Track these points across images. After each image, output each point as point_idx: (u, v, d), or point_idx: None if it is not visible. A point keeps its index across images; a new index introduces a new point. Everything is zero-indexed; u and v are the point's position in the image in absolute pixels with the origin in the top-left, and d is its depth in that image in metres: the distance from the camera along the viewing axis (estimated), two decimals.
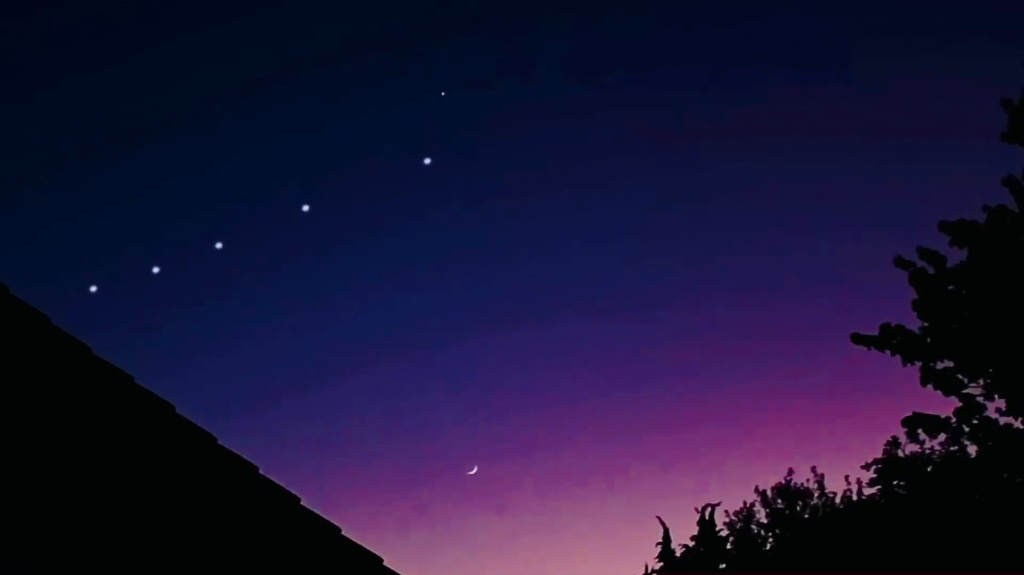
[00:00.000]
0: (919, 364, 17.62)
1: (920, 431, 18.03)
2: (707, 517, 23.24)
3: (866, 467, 19.40)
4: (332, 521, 6.18)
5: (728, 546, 23.10)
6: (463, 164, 27.52)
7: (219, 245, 24.48)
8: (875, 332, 17.98)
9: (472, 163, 27.64)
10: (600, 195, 28.79)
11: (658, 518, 23.40)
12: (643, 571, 23.01)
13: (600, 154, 28.32)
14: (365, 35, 27.27)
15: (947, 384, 17.49)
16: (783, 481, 23.40)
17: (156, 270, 24.71)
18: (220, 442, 5.87)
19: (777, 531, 23.05)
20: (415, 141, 27.38)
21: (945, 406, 17.77)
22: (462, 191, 28.86)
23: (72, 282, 25.60)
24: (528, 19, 27.18)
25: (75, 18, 25.14)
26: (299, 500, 6.08)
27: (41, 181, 26.32)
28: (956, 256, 17.52)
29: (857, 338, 18.09)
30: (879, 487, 19.74)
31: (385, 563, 6.41)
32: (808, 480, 23.25)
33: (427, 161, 24.06)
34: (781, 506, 23.26)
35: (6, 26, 23.15)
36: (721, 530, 23.31)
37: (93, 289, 21.60)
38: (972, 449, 17.89)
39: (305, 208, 23.97)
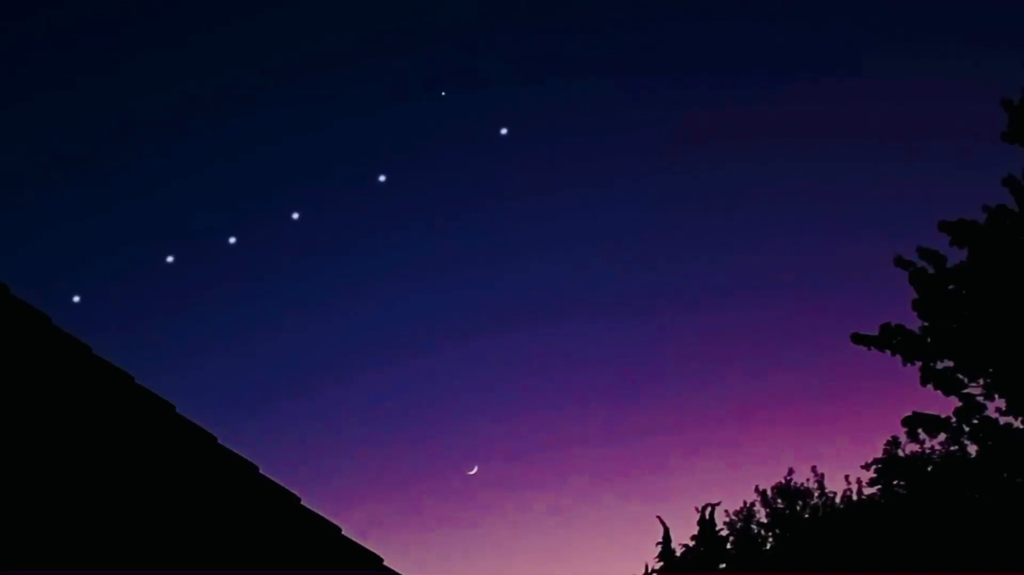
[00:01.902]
0: (919, 364, 17.61)
1: (920, 431, 18.03)
2: (707, 517, 23.23)
3: (866, 467, 19.40)
4: (332, 521, 6.18)
5: (728, 546, 23.09)
6: (464, 164, 27.55)
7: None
8: (875, 332, 17.97)
9: (474, 163, 27.67)
10: (602, 196, 28.83)
11: (658, 518, 23.42)
12: (643, 571, 23.04)
13: (602, 155, 28.37)
14: (363, 35, 27.29)
15: (947, 384, 17.48)
16: (783, 481, 23.40)
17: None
18: (220, 442, 5.88)
19: (777, 531, 23.04)
20: (415, 141, 27.40)
21: (945, 406, 17.79)
22: (463, 192, 28.90)
23: (75, 281, 25.64)
24: (530, 20, 27.20)
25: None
26: (299, 500, 6.08)
27: (38, 181, 26.36)
28: (956, 256, 17.54)
29: (857, 338, 18.09)
30: (879, 487, 19.73)
31: (385, 563, 6.41)
32: (808, 480, 23.26)
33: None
34: (781, 506, 23.24)
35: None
36: (721, 530, 23.30)
37: (170, 260, 21.55)
38: (972, 449, 17.89)
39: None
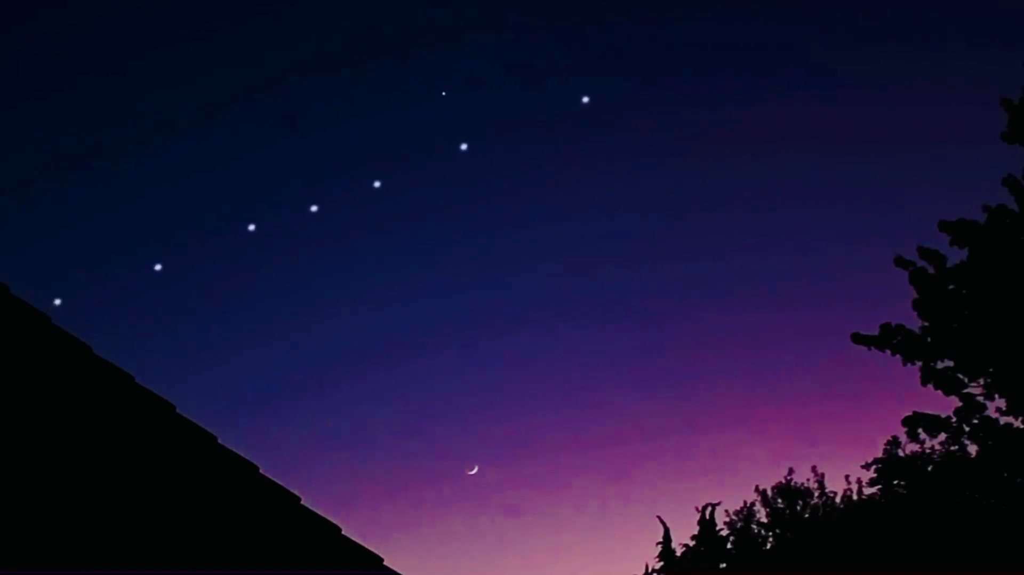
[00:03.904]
0: (919, 364, 17.62)
1: (920, 431, 18.03)
2: (707, 517, 23.24)
3: (866, 467, 19.39)
4: (332, 520, 6.19)
5: (728, 546, 23.10)
6: (465, 167, 27.53)
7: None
8: (875, 332, 17.98)
9: (474, 166, 27.65)
10: (603, 199, 28.83)
11: (658, 518, 23.43)
12: (643, 571, 23.05)
13: (603, 158, 28.35)
14: (362, 36, 27.28)
15: (947, 384, 17.48)
16: (783, 481, 23.41)
17: (158, 268, 24.74)
18: (220, 442, 5.88)
19: (777, 531, 23.05)
20: (416, 142, 27.41)
21: (945, 406, 17.79)
22: (464, 194, 28.90)
23: (77, 281, 25.66)
24: (531, 22, 27.20)
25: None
26: (299, 500, 6.09)
27: (43, 181, 26.38)
28: (956, 256, 17.55)
29: (857, 338, 18.09)
30: (879, 487, 19.73)
31: (385, 563, 6.42)
32: (808, 480, 23.28)
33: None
34: (781, 506, 23.25)
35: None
36: (721, 530, 23.30)
37: (252, 227, 21.56)
38: (972, 449, 17.90)
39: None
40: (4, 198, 25.57)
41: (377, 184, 24.27)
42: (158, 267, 23.32)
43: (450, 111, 26.62)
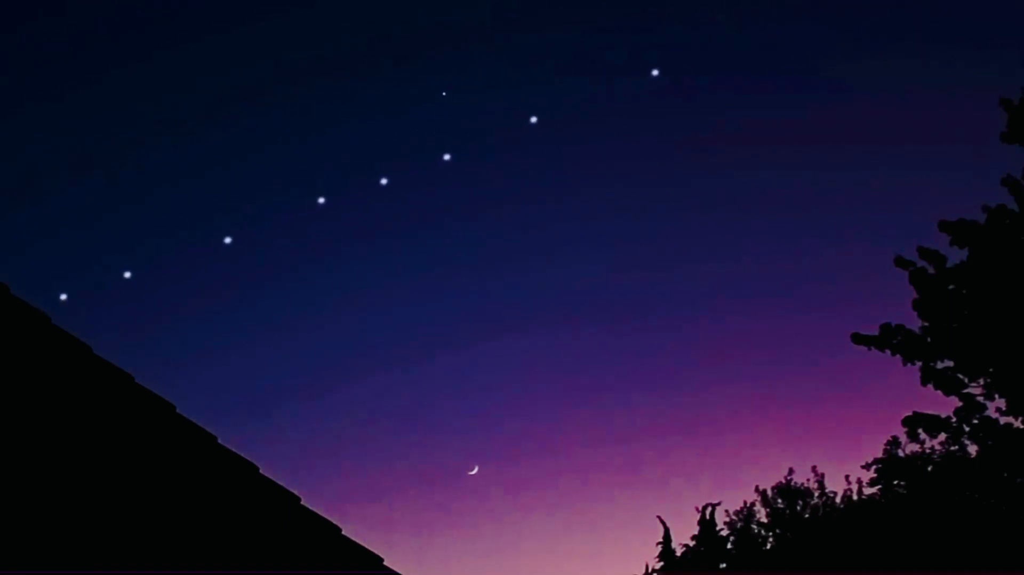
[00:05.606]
0: (919, 364, 17.63)
1: (920, 431, 18.04)
2: (708, 517, 23.24)
3: (866, 467, 19.40)
4: (332, 521, 6.19)
5: (728, 546, 23.10)
6: (463, 169, 27.52)
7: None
8: (875, 332, 17.99)
9: (473, 168, 27.63)
10: (605, 200, 28.82)
11: (659, 518, 23.43)
12: (643, 571, 23.05)
13: (601, 161, 28.34)
14: (362, 36, 27.28)
15: (947, 384, 17.49)
16: (783, 481, 23.42)
17: (157, 270, 24.77)
18: (220, 442, 5.88)
19: (777, 531, 23.05)
20: (415, 144, 27.40)
21: (945, 406, 17.80)
22: (464, 197, 28.90)
23: (78, 282, 25.67)
24: (530, 23, 27.19)
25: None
26: (299, 500, 6.09)
27: (44, 182, 26.39)
28: (956, 256, 17.56)
29: (857, 338, 18.10)
30: (879, 487, 19.75)
31: (385, 563, 6.42)
32: (808, 480, 23.29)
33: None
34: (781, 506, 23.26)
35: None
36: (721, 530, 23.31)
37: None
38: (972, 449, 17.91)
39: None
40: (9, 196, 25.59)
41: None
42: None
43: (450, 112, 26.63)
